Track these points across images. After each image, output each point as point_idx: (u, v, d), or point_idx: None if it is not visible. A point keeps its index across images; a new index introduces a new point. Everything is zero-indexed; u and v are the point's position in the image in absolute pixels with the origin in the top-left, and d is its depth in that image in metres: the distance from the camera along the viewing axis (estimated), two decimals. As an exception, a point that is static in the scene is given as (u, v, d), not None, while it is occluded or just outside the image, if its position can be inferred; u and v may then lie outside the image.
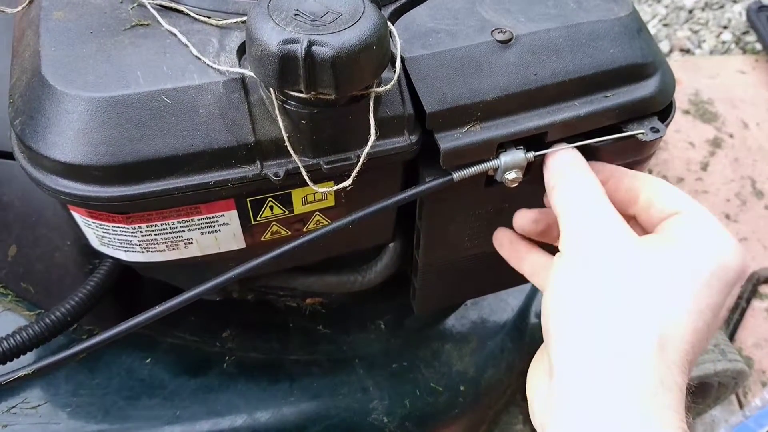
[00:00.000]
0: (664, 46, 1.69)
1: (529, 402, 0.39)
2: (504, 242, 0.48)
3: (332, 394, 0.60)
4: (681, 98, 1.49)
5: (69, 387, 0.52)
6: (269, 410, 0.56)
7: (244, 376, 0.58)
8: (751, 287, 1.15)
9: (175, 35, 0.40)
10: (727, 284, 0.35)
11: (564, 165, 0.42)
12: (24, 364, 0.50)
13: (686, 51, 1.69)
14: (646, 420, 0.30)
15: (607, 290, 0.34)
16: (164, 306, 0.42)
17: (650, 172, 1.34)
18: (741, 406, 1.02)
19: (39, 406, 0.51)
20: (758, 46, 1.64)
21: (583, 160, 0.42)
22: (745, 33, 1.70)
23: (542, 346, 0.42)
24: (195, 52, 0.39)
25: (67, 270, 0.55)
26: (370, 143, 0.38)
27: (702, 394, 0.86)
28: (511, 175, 0.43)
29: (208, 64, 0.38)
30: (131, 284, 0.56)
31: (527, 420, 0.85)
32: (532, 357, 0.76)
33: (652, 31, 1.73)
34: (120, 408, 0.52)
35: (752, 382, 1.04)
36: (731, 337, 1.08)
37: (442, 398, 0.64)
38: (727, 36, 1.71)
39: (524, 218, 0.46)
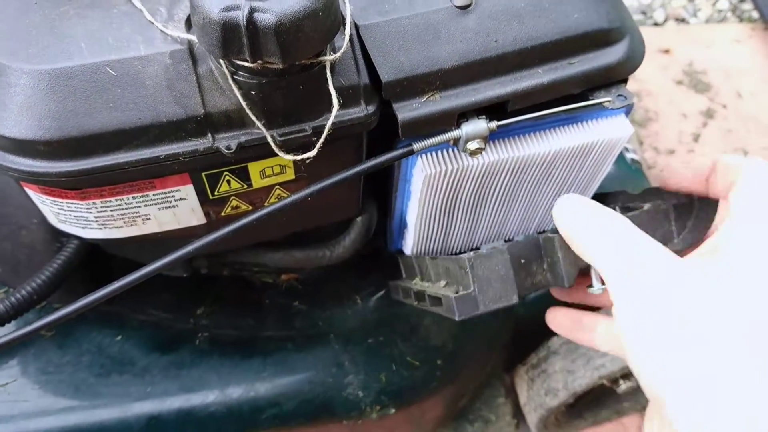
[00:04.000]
0: (659, 16, 1.66)
1: None
2: (564, 323, 0.45)
3: (306, 369, 0.59)
4: (675, 69, 1.47)
5: (38, 364, 0.52)
6: (242, 386, 0.56)
7: (216, 352, 0.58)
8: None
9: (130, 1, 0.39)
10: None
11: (571, 215, 0.37)
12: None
13: (681, 20, 1.66)
14: None
15: (715, 337, 0.27)
16: (121, 282, 0.41)
17: (641, 144, 1.33)
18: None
19: (7, 384, 0.51)
20: (755, 14, 1.61)
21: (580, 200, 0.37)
22: (742, 1, 1.67)
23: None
24: (148, 16, 0.38)
25: (34, 249, 0.54)
26: (334, 112, 0.38)
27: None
28: (474, 146, 0.42)
29: (159, 28, 0.37)
30: (102, 261, 0.55)
31: (510, 393, 0.85)
32: (515, 331, 0.76)
33: (647, 0, 1.69)
34: (90, 385, 0.52)
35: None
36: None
37: (418, 372, 0.64)
38: (723, 4, 1.67)
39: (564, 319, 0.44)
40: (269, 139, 0.38)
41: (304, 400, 0.58)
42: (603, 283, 0.40)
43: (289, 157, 0.38)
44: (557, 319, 0.45)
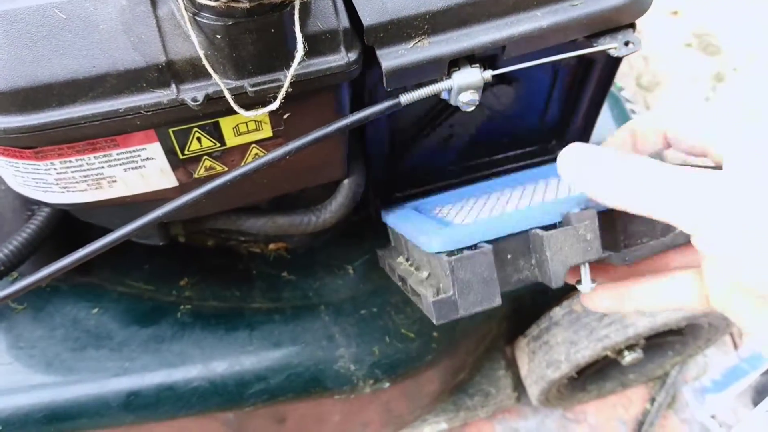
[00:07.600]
0: (667, -23, 1.60)
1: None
2: (607, 299, 0.40)
3: (295, 342, 0.57)
4: (684, 31, 1.41)
5: (9, 339, 0.49)
6: (226, 360, 0.54)
7: (199, 325, 0.55)
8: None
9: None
10: None
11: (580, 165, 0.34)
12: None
13: (691, -19, 1.60)
14: None
15: None
16: (88, 249, 0.38)
17: (647, 109, 1.28)
18: (736, 347, 1.00)
19: (-24, 360, 0.48)
20: (767, -26, 1.55)
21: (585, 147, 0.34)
22: (754, -40, 1.60)
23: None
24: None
25: (2, 217, 0.51)
26: (297, 59, 0.34)
27: (693, 335, 0.83)
28: (467, 97, 0.39)
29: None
30: (78, 231, 0.52)
31: (510, 365, 0.82)
32: (512, 303, 0.72)
33: (655, -40, 1.63)
34: (63, 360, 0.49)
35: (748, 324, 1.01)
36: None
37: (413, 345, 0.61)
38: (734, -36, 1.61)
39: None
40: (225, 91, 0.34)
41: (293, 374, 0.56)
42: (593, 282, 0.37)
43: (250, 114, 0.35)
44: (600, 299, 0.40)
